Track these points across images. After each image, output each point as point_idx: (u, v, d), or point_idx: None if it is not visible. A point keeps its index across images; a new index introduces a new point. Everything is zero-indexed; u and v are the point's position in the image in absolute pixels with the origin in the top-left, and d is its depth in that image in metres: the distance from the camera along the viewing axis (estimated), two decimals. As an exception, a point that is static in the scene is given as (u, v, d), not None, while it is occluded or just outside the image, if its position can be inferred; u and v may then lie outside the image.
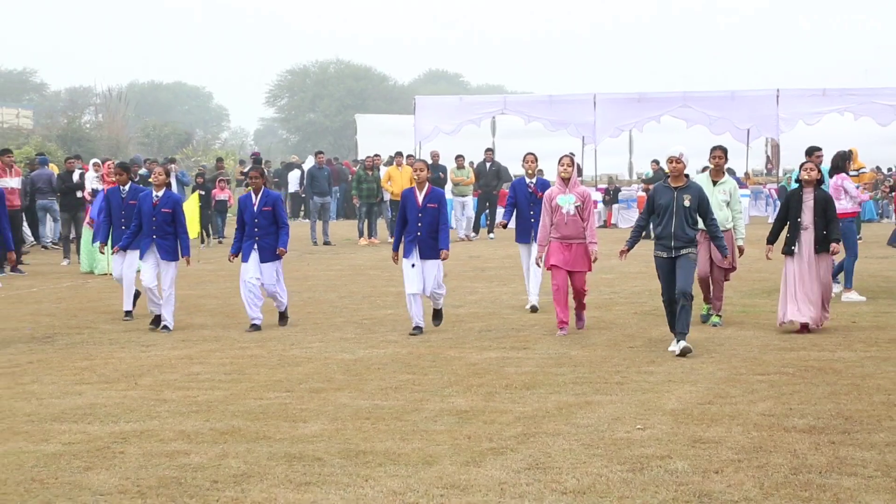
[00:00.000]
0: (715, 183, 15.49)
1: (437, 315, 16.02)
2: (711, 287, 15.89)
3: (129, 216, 17.23)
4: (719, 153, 15.60)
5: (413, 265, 15.45)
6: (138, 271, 18.07)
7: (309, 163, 39.69)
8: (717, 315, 16.04)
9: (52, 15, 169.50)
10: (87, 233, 28.30)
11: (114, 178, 18.84)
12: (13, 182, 28.49)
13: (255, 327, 16.48)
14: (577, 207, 14.28)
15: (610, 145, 43.97)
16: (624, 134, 43.16)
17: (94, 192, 27.36)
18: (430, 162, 36.86)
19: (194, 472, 9.08)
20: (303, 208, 41.60)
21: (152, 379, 13.32)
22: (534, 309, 17.52)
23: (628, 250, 13.60)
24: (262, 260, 16.35)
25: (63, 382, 13.29)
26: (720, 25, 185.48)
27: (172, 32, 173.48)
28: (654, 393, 11.60)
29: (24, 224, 30.28)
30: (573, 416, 10.67)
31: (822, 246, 13.71)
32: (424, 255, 15.23)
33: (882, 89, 44.28)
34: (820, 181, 13.98)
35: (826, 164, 18.12)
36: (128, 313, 17.93)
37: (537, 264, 16.12)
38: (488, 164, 36.03)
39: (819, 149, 18.45)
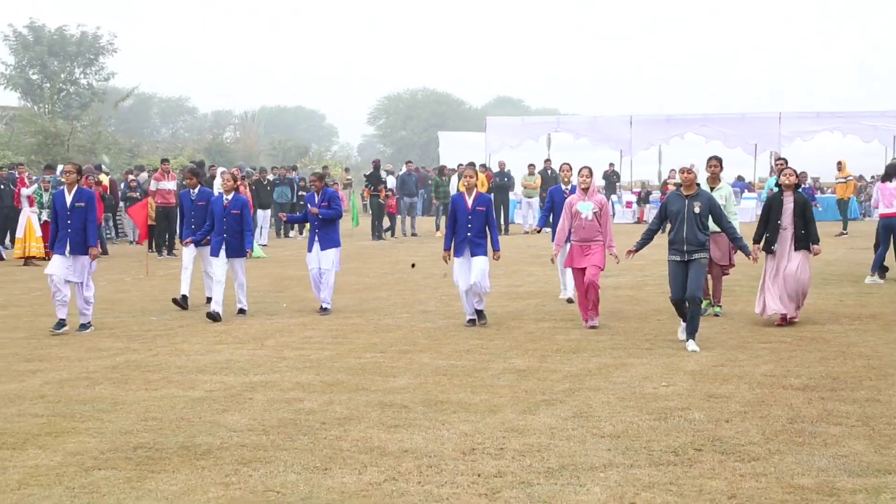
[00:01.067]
0: (712, 189, 14.35)
1: (480, 315, 14.71)
2: (711, 282, 14.96)
3: (197, 216, 16.54)
4: (714, 163, 14.83)
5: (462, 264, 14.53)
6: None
7: (401, 170, 40.28)
8: (718, 306, 15.20)
9: (201, 51, 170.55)
10: None
11: (185, 182, 18.36)
12: (170, 184, 28.97)
13: (325, 311, 15.95)
14: (594, 213, 13.54)
15: (643, 157, 44.04)
16: (654, 147, 43.13)
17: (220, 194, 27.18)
18: (498, 170, 37.60)
19: (307, 415, 9.47)
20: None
21: (275, 341, 13.62)
22: (570, 301, 16.61)
23: (636, 251, 12.76)
24: (322, 248, 15.98)
25: (206, 343, 13.67)
26: (733, 59, 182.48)
27: (292, 65, 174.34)
28: (677, 357, 11.75)
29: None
30: (610, 375, 10.90)
31: (800, 244, 12.91)
32: (474, 253, 14.33)
33: (864, 112, 45.60)
34: (798, 185, 13.29)
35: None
36: (183, 298, 16.66)
37: (552, 261, 15.72)
38: (549, 171, 36.36)
39: (783, 159, 18.30)
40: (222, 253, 15.58)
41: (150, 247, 27.02)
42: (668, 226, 12.59)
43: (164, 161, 32.33)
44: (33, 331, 15.04)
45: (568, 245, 14.29)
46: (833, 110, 45.54)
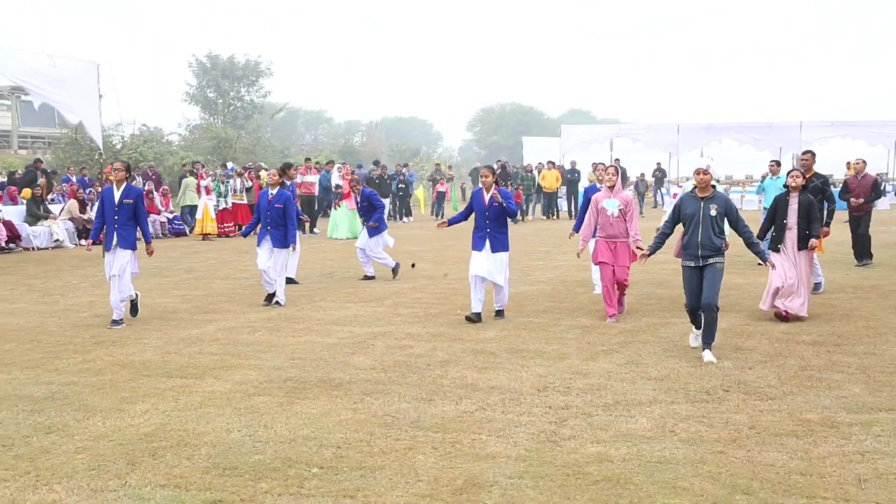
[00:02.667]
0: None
1: (500, 314, 12.24)
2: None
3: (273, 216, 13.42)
4: (807, 156, 13.46)
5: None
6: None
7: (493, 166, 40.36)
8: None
9: (337, 71, 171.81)
10: (334, 212, 27.12)
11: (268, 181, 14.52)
12: (312, 178, 29.68)
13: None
14: (620, 210, 11.49)
15: (687, 158, 43.34)
16: (697, 150, 42.78)
17: (338, 186, 26.98)
18: (569, 168, 37.60)
19: (416, 358, 9.63)
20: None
21: (391, 301, 13.69)
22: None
23: (650, 254, 9.95)
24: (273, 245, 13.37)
25: (338, 302, 13.78)
26: (761, 69, 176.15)
27: (408, 81, 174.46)
28: None
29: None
30: (657, 331, 10.93)
31: (803, 244, 11.15)
32: (494, 249, 11.87)
33: (870, 122, 45.17)
34: (805, 186, 11.34)
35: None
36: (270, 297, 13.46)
37: (577, 255, 12.66)
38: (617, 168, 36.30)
39: (809, 151, 14.57)
40: (265, 243, 13.29)
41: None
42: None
43: (307, 160, 33.10)
44: (209, 290, 15.36)
45: (593, 241, 12.11)
46: (844, 119, 45.21)
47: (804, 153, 13.54)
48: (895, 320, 11.67)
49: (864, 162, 17.84)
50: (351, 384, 8.57)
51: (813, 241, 11.06)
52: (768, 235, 11.59)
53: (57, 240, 24.09)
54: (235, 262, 19.96)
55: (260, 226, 13.53)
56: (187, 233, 28.33)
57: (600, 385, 8.33)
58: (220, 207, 27.03)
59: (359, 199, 17.10)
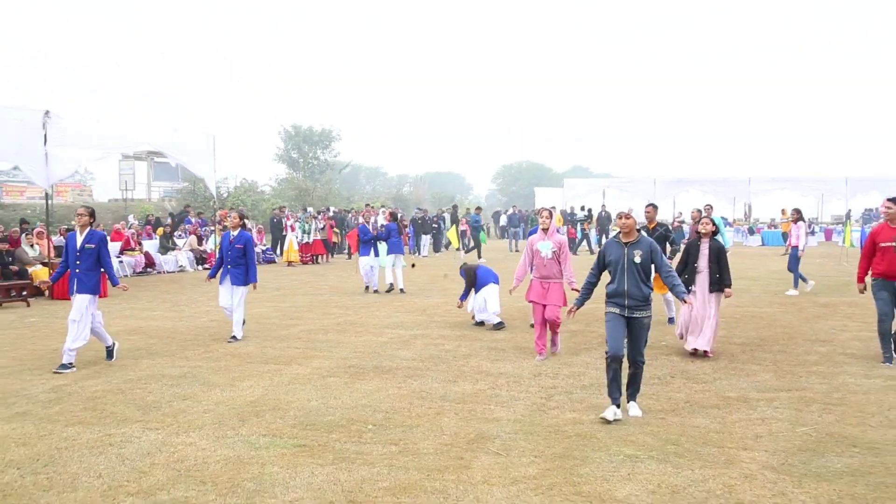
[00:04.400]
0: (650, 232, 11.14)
1: (500, 325, 11.65)
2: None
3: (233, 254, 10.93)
4: (650, 209, 11.68)
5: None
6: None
7: (510, 211, 40.19)
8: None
9: (391, 133, 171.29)
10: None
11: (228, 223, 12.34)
12: (374, 218, 28.79)
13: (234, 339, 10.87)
14: (553, 252, 9.35)
15: (663, 204, 42.80)
16: (671, 198, 42.11)
17: (384, 226, 26.25)
18: (570, 212, 36.90)
19: (445, 352, 9.86)
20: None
21: (429, 312, 13.74)
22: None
23: (577, 308, 7.23)
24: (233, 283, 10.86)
25: (389, 311, 13.85)
26: (722, 133, 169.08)
27: (445, 140, 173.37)
28: (668, 328, 11.61)
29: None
30: None
31: (714, 286, 9.32)
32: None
33: (803, 178, 42.77)
34: (714, 233, 9.53)
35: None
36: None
37: (510, 293, 9.92)
38: (602, 213, 35.51)
39: (710, 206, 14.76)
40: (226, 282, 10.87)
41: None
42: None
43: (367, 205, 33.17)
44: (293, 303, 15.42)
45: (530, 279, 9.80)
46: (784, 175, 44.14)
47: (647, 206, 11.76)
48: (805, 328, 11.68)
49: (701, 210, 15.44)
50: (397, 370, 8.83)
51: (728, 291, 9.35)
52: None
53: (181, 266, 24.27)
54: (313, 282, 19.96)
55: (221, 266, 11.04)
56: (275, 260, 28.32)
57: (580, 373, 8.56)
58: (303, 241, 27.42)
59: (382, 233, 17.31)
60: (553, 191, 52.28)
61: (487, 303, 11.99)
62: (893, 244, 8.64)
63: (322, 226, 28.52)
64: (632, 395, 6.96)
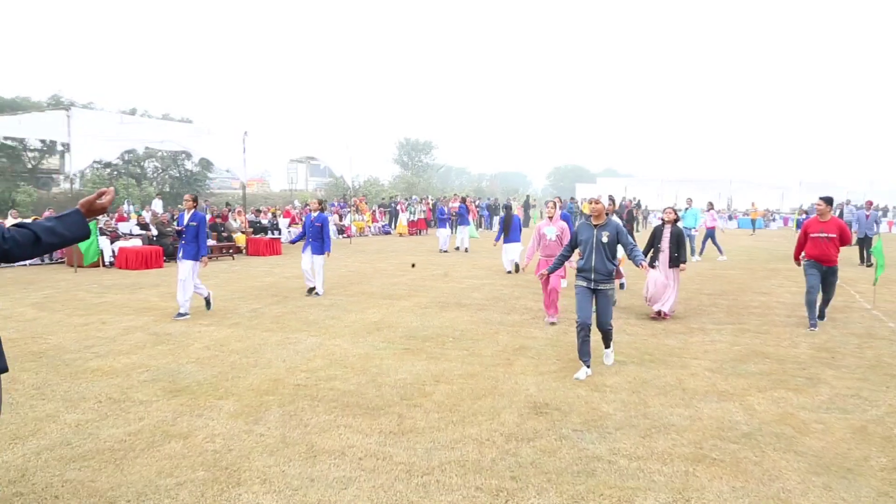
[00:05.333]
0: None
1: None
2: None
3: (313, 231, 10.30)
4: (607, 203, 8.40)
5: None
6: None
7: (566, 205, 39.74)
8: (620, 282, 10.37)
9: (475, 134, 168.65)
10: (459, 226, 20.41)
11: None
12: (455, 204, 28.85)
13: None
14: (557, 236, 8.33)
15: (668, 198, 42.09)
16: (673, 193, 41.09)
17: (459, 206, 25.43)
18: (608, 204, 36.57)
19: (503, 294, 10.02)
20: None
21: (494, 269, 13.54)
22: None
23: (548, 273, 6.42)
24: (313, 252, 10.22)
25: (466, 268, 13.69)
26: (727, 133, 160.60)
27: (514, 148, 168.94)
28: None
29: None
30: (633, 309, 11.08)
31: (672, 262, 8.41)
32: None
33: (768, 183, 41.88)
34: (676, 220, 8.62)
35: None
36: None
37: (523, 270, 8.40)
38: (623, 205, 34.68)
39: (690, 199, 15.46)
40: (308, 251, 10.24)
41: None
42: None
43: (455, 195, 33.47)
44: (402, 260, 15.39)
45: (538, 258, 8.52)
46: (754, 178, 42.92)
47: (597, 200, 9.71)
48: (753, 284, 11.53)
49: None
50: (470, 305, 9.16)
51: (682, 266, 8.40)
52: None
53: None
54: (414, 248, 19.98)
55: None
56: (390, 232, 28.64)
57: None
58: (410, 220, 28.10)
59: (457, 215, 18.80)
60: (589, 186, 51.42)
61: (507, 254, 12.94)
62: (821, 235, 7.84)
63: (423, 209, 29.18)
64: (606, 345, 6.13)
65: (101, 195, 2.59)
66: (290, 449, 4.03)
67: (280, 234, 20.83)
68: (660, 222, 8.71)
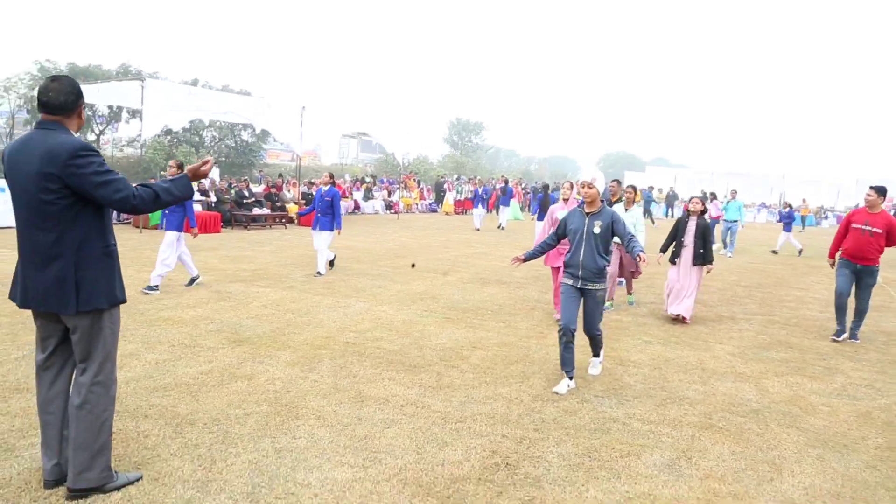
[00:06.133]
0: (626, 210, 8.13)
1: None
2: (625, 281, 8.73)
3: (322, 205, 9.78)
4: (630, 189, 8.60)
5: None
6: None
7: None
8: (630, 294, 8.59)
9: (522, 123, 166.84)
10: (503, 207, 21.60)
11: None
12: (500, 184, 29.57)
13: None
14: None
15: (719, 190, 41.46)
16: (724, 185, 40.09)
17: (502, 187, 23.84)
18: (647, 190, 35.98)
19: (541, 274, 10.32)
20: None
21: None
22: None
23: (524, 260, 5.20)
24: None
25: (508, 248, 14.19)
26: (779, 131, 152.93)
27: (564, 133, 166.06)
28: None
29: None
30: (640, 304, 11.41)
31: (697, 260, 7.41)
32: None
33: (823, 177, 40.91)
34: (703, 211, 7.54)
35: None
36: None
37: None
38: (671, 193, 34.23)
39: (616, 180, 8.94)
40: (317, 227, 9.73)
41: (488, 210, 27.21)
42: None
43: (502, 176, 33.67)
44: (447, 237, 15.86)
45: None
46: (808, 175, 41.78)
47: (611, 181, 8.78)
48: (791, 279, 11.59)
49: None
50: (509, 282, 9.60)
51: (708, 267, 7.41)
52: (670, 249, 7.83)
53: (376, 210, 25.57)
54: (461, 226, 20.50)
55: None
56: (436, 210, 29.22)
57: (618, 302, 8.90)
58: (456, 199, 28.50)
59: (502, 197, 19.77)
60: (638, 175, 50.68)
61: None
62: (864, 227, 6.88)
63: (471, 189, 29.53)
64: (594, 353, 5.31)
65: (204, 163, 3.13)
66: (340, 394, 4.60)
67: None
68: (684, 213, 7.68)
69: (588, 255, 4.89)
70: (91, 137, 32.53)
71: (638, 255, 4.77)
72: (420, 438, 3.85)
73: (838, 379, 5.52)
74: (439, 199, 30.23)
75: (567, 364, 4.89)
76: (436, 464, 3.53)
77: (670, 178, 43.68)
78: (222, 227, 15.85)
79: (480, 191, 20.99)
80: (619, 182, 8.39)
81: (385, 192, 27.27)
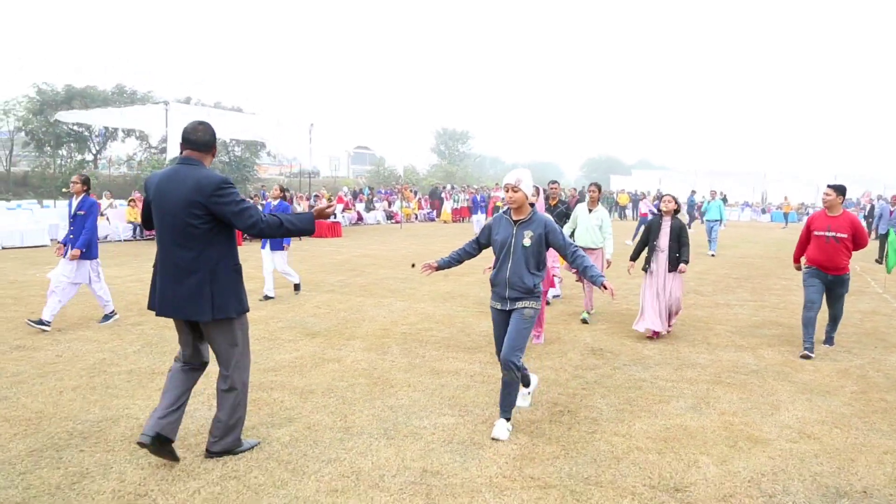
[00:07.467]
0: (590, 211, 7.57)
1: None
2: (585, 292, 7.84)
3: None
4: (593, 188, 7.79)
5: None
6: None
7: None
8: (588, 313, 7.75)
9: (508, 132, 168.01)
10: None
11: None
12: (499, 193, 30.54)
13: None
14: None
15: (702, 189, 42.72)
16: (708, 185, 41.36)
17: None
18: (634, 193, 36.91)
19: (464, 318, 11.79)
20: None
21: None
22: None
23: (437, 268, 4.29)
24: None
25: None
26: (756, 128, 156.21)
27: (547, 138, 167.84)
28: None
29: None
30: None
31: (673, 266, 6.62)
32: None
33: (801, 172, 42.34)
34: (676, 211, 6.75)
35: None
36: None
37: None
38: (659, 194, 35.40)
39: (555, 181, 8.51)
40: (267, 246, 8.71)
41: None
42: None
43: (496, 184, 34.75)
44: (452, 244, 16.45)
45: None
46: (789, 170, 43.61)
47: (551, 182, 8.40)
48: (777, 270, 12.52)
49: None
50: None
51: (682, 267, 6.61)
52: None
53: (378, 220, 26.47)
54: (462, 233, 21.25)
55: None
56: (433, 219, 30.00)
57: (633, 295, 10.00)
58: (453, 207, 29.45)
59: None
60: (623, 178, 52.00)
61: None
62: (827, 234, 6.08)
63: (466, 197, 30.61)
64: (501, 408, 4.18)
65: (329, 206, 3.67)
66: (417, 370, 5.61)
67: (336, 217, 22.51)
68: (651, 214, 7.24)
69: (514, 272, 4.02)
70: (88, 157, 33.21)
71: (602, 286, 3.88)
72: (495, 397, 4.87)
73: (821, 348, 6.64)
74: (434, 207, 31.29)
75: (504, 402, 4.13)
76: (514, 412, 4.56)
77: (655, 180, 44.86)
78: (244, 239, 16.72)
79: (479, 198, 22.00)
80: (598, 186, 7.89)
81: (385, 203, 28.21)
